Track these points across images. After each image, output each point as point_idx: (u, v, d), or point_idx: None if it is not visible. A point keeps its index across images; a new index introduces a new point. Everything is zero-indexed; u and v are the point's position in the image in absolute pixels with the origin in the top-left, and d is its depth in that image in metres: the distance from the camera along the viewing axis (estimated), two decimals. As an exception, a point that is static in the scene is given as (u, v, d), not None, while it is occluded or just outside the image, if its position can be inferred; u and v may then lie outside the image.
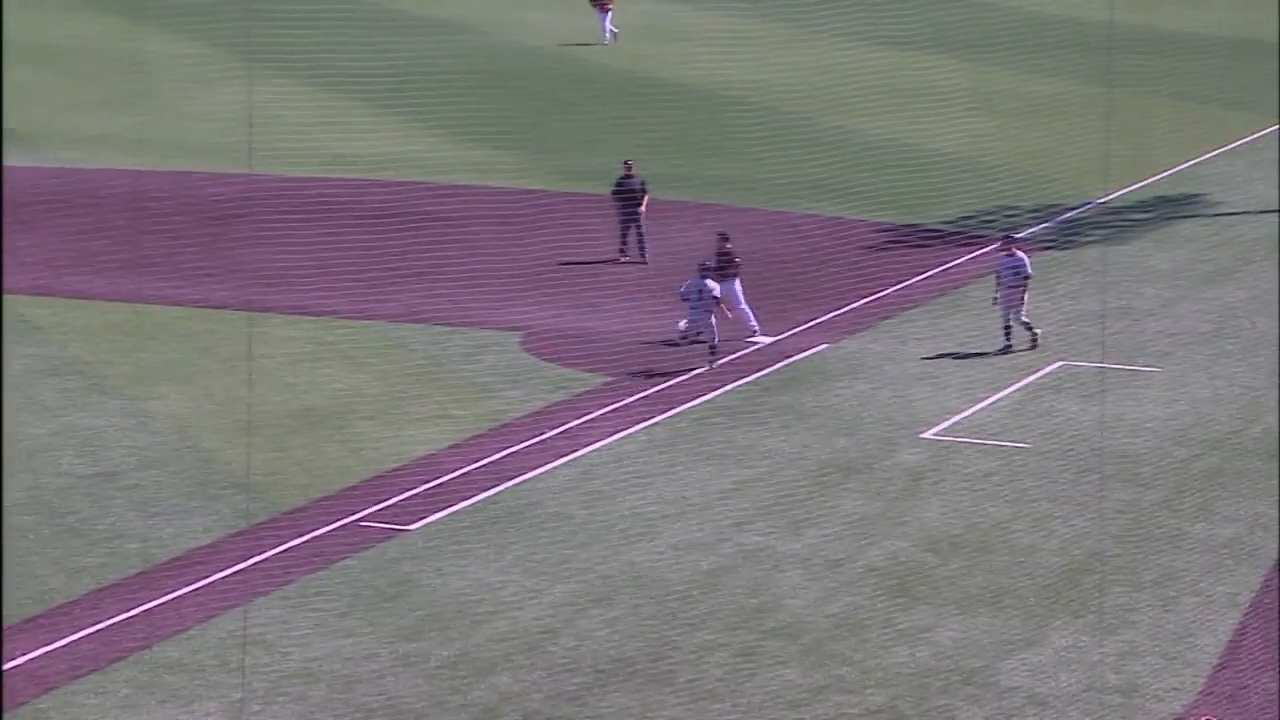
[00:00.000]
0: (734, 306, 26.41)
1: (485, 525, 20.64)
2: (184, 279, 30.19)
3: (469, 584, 19.16)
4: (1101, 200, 35.50)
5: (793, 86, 46.18)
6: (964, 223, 34.19)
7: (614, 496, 21.43)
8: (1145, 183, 37.19)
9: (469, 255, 31.71)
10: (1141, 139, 39.84)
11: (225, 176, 37.00)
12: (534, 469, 22.20)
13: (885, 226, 33.67)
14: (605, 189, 34.70)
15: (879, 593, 18.95)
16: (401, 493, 21.47)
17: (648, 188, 31.63)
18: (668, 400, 24.72)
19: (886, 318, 28.63)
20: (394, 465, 22.28)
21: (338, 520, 20.67)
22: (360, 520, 20.71)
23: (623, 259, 31.15)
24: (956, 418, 24.08)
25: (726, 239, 27.24)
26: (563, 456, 22.63)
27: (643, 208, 31.17)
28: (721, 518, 20.86)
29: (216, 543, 19.97)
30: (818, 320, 28.33)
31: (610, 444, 23.08)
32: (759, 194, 35.87)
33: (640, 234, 31.30)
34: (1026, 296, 25.79)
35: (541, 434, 23.35)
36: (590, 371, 25.87)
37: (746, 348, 26.93)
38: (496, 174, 37.77)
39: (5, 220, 32.86)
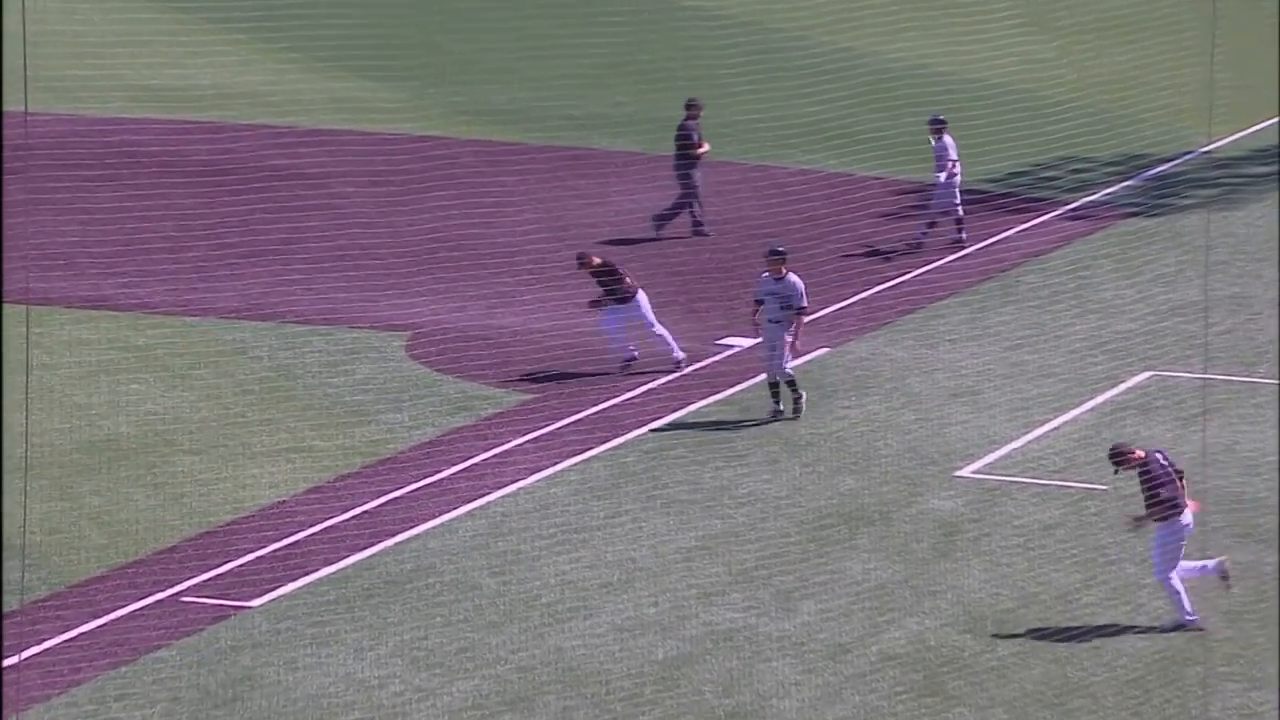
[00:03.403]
0: (648, 330, 26.26)
1: (356, 600, 20.62)
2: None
3: (333, 681, 19.12)
4: (1205, 149, 35.81)
5: (781, -6, 46.38)
6: (1015, 181, 34.38)
7: (535, 559, 21.44)
8: (1263, 125, 37.54)
9: (334, 226, 31.67)
10: (1259, 67, 40.19)
11: (-9, 117, 36.76)
12: (424, 521, 22.19)
13: (908, 187, 33.85)
14: (524, 134, 34.60)
15: (901, 690, 19.02)
16: (239, 556, 21.42)
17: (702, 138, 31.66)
18: (610, 425, 24.75)
19: (908, 311, 28.75)
20: (229, 518, 22.26)
21: (148, 595, 20.60)
22: (181, 594, 20.65)
23: (703, 230, 31.26)
24: (1006, 449, 24.22)
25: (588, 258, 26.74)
26: (465, 504, 22.63)
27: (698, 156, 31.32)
28: (683, 587, 20.89)
29: (-21, 627, 19.86)
30: (814, 315, 28.50)
31: (530, 486, 23.11)
32: (734, 143, 35.95)
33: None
34: (797, 337, 24.66)
35: (435, 473, 23.32)
36: (502, 387, 25.89)
37: (714, 354, 27.02)
38: (373, 115, 37.71)
39: None
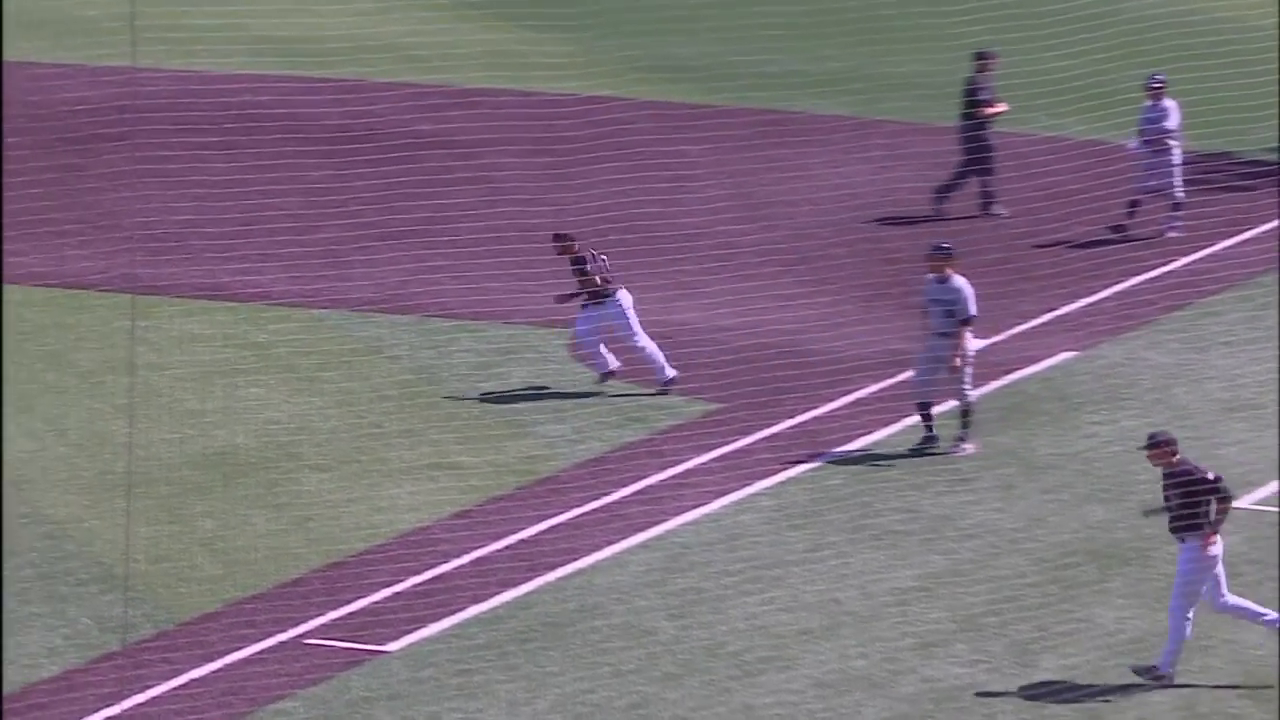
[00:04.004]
0: (629, 341, 25.83)
1: (510, 644, 20.77)
2: (24, 240, 30.56)
3: (482, 741, 19.29)
4: None
5: (1020, -74, 46.09)
6: (1305, 151, 33.88)
7: (720, 599, 21.48)
8: None
9: (487, 204, 31.91)
10: None
11: (89, 72, 37.40)
12: (590, 553, 22.30)
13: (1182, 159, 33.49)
14: (710, 95, 34.65)
15: (1161, 763, 18.96)
16: (375, 590, 21.60)
17: (992, 97, 31.82)
18: (810, 441, 24.75)
19: (1174, 308, 28.53)
20: (362, 547, 22.46)
21: (270, 636, 20.83)
22: (306, 635, 20.87)
23: (993, 207, 31.33)
24: (1292, 474, 23.99)
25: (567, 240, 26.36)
26: (637, 533, 22.72)
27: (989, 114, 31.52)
28: (897, 635, 20.87)
29: (69, 673, 20.13)
30: (1058, 312, 28.26)
31: (715, 513, 23.14)
32: (959, 103, 35.78)
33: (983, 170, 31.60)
34: (958, 352, 24.19)
35: (602, 495, 23.44)
36: (682, 395, 25.94)
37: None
38: (533, 72, 37.93)
39: None
